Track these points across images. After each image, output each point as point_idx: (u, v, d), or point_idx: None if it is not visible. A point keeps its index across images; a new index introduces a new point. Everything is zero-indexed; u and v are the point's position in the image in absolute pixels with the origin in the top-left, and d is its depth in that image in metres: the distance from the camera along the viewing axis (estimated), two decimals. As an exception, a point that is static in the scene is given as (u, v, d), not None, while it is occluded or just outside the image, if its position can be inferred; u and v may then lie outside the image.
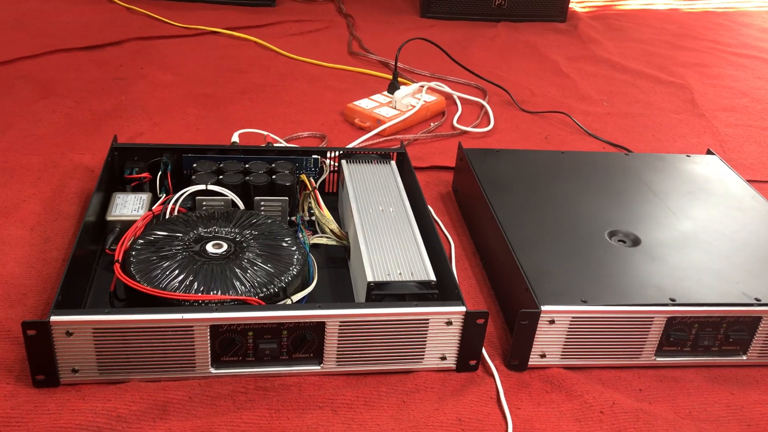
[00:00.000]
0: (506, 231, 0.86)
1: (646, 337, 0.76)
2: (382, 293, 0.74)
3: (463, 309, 0.71)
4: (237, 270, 0.75)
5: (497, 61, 1.68)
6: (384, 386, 0.72)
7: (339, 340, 0.71)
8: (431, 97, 1.36)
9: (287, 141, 1.20)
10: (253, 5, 1.89)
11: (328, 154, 0.99)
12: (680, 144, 1.34)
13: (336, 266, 0.87)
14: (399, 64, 1.57)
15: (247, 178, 0.91)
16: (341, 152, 0.99)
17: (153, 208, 0.86)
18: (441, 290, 0.76)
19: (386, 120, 1.25)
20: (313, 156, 0.97)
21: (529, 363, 0.76)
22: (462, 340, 0.73)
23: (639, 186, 0.99)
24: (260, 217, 0.84)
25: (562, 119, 1.40)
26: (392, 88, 1.35)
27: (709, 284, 0.79)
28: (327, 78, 1.50)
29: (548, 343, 0.75)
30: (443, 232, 0.99)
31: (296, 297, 0.75)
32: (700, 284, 0.79)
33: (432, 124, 1.32)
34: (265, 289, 0.73)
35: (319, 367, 0.72)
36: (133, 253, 0.76)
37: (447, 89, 1.44)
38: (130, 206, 0.88)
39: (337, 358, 0.72)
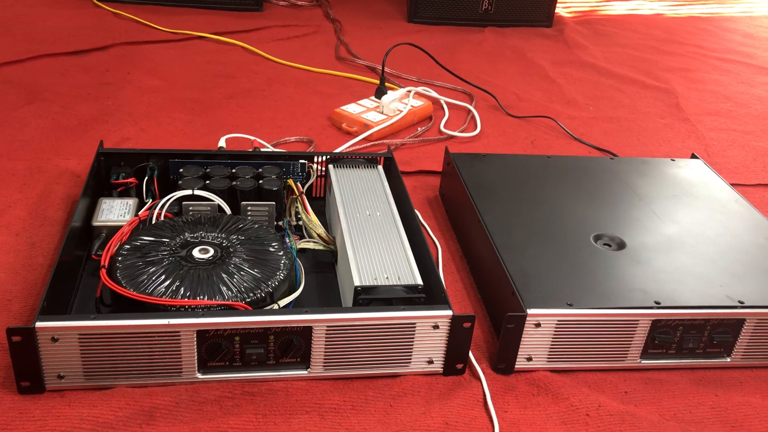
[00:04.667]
0: (492, 235, 0.86)
1: (631, 340, 0.76)
2: (369, 297, 0.74)
3: (449, 313, 0.71)
4: (224, 275, 0.75)
5: (484, 65, 1.69)
6: (371, 390, 0.72)
7: (326, 345, 0.71)
8: (418, 102, 1.36)
9: (274, 146, 1.20)
10: (240, 10, 1.89)
11: (315, 159, 0.99)
12: (665, 148, 1.35)
13: (323, 271, 0.87)
14: (386, 69, 1.58)
15: (234, 183, 0.91)
16: (328, 157, 0.99)
17: (139, 213, 0.86)
18: (428, 294, 0.76)
19: (373, 125, 1.25)
20: (300, 161, 0.98)
21: (516, 366, 0.76)
22: (449, 344, 0.73)
23: (624, 190, 1.00)
24: (247, 222, 0.84)
25: (548, 124, 1.41)
26: (379, 92, 1.35)
27: (694, 287, 0.79)
28: (314, 83, 1.50)
29: (534, 347, 0.75)
30: (430, 237, 0.99)
31: (283, 302, 0.75)
32: (684, 287, 0.79)
33: (419, 128, 1.33)
34: (251, 294, 0.73)
35: (306, 372, 0.72)
36: (120, 258, 0.76)
37: (434, 94, 1.45)
38: (116, 211, 0.88)
39: (324, 362, 0.72)
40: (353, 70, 1.60)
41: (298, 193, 0.92)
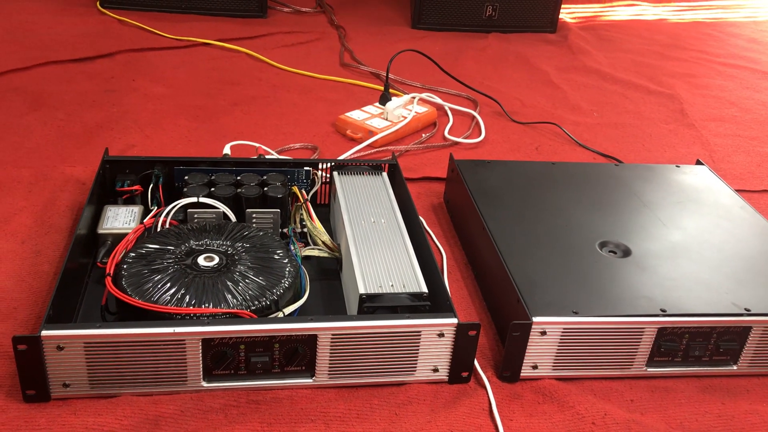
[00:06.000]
0: (497, 242, 0.86)
1: (637, 348, 0.76)
2: (374, 305, 0.74)
3: (455, 321, 0.71)
4: (229, 283, 0.75)
5: (488, 71, 1.69)
6: (376, 399, 0.72)
7: (331, 353, 0.71)
8: (422, 108, 1.36)
9: (279, 153, 1.20)
10: (244, 17, 1.90)
11: (320, 166, 0.99)
12: (670, 154, 1.35)
13: (328, 278, 0.87)
14: (390, 76, 1.58)
15: (239, 190, 0.91)
16: (333, 164, 0.99)
17: (144, 221, 0.86)
18: (433, 302, 0.76)
19: (378, 131, 1.25)
20: (305, 168, 0.98)
21: (521, 374, 0.76)
22: (454, 352, 0.73)
23: (629, 196, 0.99)
24: (252, 229, 0.84)
25: (552, 130, 1.40)
26: (384, 99, 1.35)
27: (700, 294, 0.79)
28: (319, 89, 1.50)
29: (540, 355, 0.75)
30: (435, 244, 0.99)
31: (288, 310, 0.75)
32: (690, 294, 0.79)
33: (423, 135, 1.33)
34: (256, 302, 0.73)
35: (311, 380, 0.72)
36: (125, 266, 0.76)
37: (438, 100, 1.45)
38: (121, 219, 0.88)
39: (330, 370, 0.72)
40: (357, 76, 1.60)
41: (302, 200, 0.92)
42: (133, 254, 0.78)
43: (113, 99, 1.36)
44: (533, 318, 0.73)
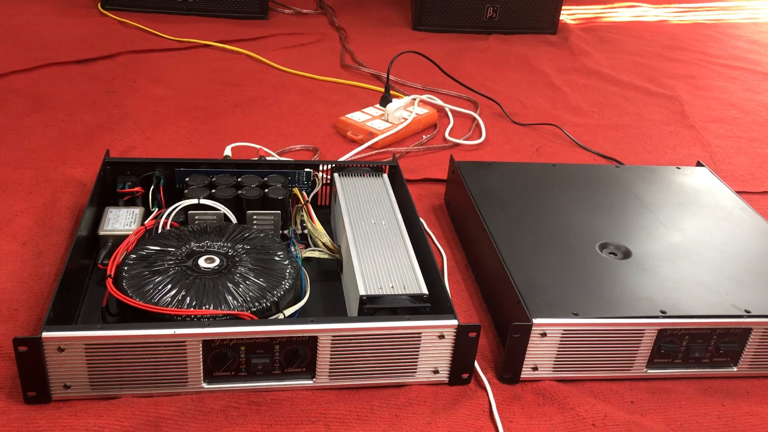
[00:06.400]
0: (498, 244, 0.86)
1: (637, 350, 0.76)
2: (374, 307, 0.74)
3: (455, 322, 0.71)
4: (229, 284, 0.75)
5: (488, 73, 1.69)
6: (377, 400, 0.72)
7: (331, 355, 0.71)
8: (423, 110, 1.36)
9: (280, 154, 1.20)
10: (245, 18, 1.90)
11: (321, 168, 0.99)
12: (670, 156, 1.35)
13: (328, 280, 0.87)
14: (391, 77, 1.58)
15: (240, 191, 0.91)
16: (333, 165, 0.99)
17: (145, 222, 0.86)
18: (433, 303, 0.76)
19: (378, 133, 1.26)
20: (306, 169, 0.98)
21: (522, 376, 0.76)
22: (454, 354, 0.73)
23: (629, 198, 1.00)
24: (252, 231, 0.85)
25: (553, 131, 1.40)
26: (384, 100, 1.35)
27: (700, 296, 0.79)
28: (319, 91, 1.50)
29: (540, 356, 0.75)
30: (435, 245, 0.99)
31: (289, 311, 0.75)
32: (690, 296, 0.79)
33: (424, 136, 1.33)
34: (257, 304, 0.73)
35: (311, 382, 0.72)
36: (126, 268, 0.76)
37: (439, 102, 1.45)
38: (122, 221, 0.88)
39: (330, 372, 0.72)
40: (358, 78, 1.60)
41: (303, 202, 0.92)
42: (134, 256, 0.78)
43: (114, 100, 1.36)
44: (533, 319, 0.73)
